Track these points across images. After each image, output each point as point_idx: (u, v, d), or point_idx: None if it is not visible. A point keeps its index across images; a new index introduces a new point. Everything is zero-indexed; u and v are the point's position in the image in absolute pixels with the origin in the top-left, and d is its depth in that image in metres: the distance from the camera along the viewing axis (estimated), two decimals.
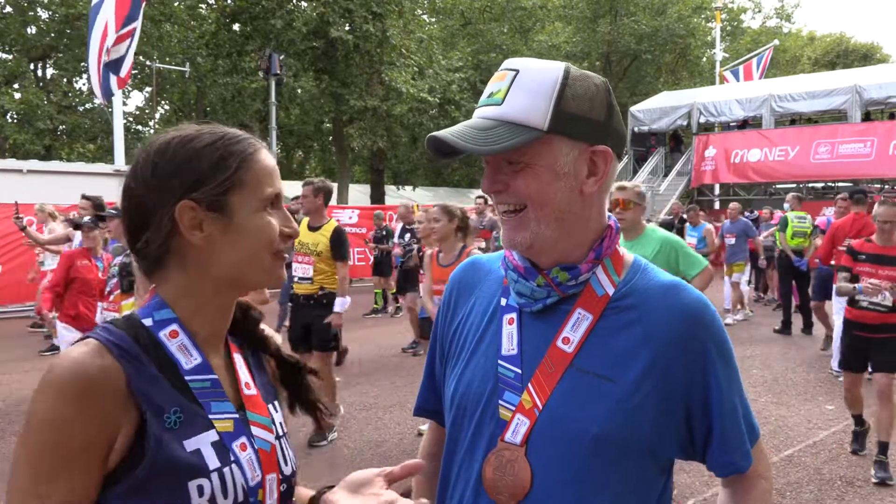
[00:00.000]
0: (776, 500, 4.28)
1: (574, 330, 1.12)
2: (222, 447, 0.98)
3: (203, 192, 0.99)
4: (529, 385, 1.11)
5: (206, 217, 0.99)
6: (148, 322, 1.00)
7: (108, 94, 11.50)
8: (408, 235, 9.95)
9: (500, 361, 1.15)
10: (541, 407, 1.09)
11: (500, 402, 1.13)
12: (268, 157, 1.06)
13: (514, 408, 1.11)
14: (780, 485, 4.49)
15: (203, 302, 1.03)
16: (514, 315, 1.17)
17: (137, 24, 11.41)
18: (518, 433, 1.10)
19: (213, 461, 0.95)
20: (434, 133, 1.08)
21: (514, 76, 1.09)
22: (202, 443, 0.96)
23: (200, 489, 0.93)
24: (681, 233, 12.08)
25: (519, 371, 1.13)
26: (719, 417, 1.12)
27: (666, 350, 1.09)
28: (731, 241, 10.93)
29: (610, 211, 3.90)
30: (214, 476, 0.95)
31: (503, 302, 1.20)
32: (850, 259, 5.01)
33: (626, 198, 4.27)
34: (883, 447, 4.66)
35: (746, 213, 13.79)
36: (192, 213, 0.99)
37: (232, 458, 0.98)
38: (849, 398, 5.12)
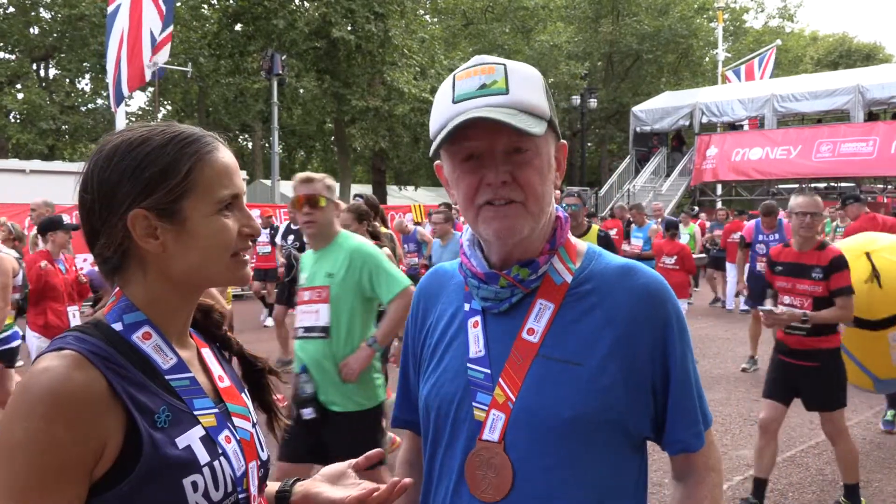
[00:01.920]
0: (778, 501, 4.27)
1: (537, 320, 1.14)
2: (210, 441, 0.98)
3: (154, 199, 0.97)
4: (500, 379, 1.13)
5: (158, 224, 0.97)
6: (118, 326, 0.98)
7: (119, 101, 11.71)
8: (291, 237, 7.97)
9: (468, 364, 1.17)
10: (514, 399, 1.12)
11: (474, 403, 1.15)
12: (224, 157, 1.03)
13: (487, 407, 1.13)
14: (782, 485, 4.49)
15: (167, 303, 1.02)
16: (478, 318, 1.19)
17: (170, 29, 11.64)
18: (495, 429, 1.12)
19: (203, 456, 0.96)
20: (475, 114, 1.05)
21: (506, 69, 1.11)
22: (192, 439, 0.96)
23: (195, 485, 0.94)
24: (626, 235, 11.64)
25: (488, 371, 1.15)
26: (675, 389, 1.15)
27: (628, 328, 1.12)
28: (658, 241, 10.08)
29: (295, 209, 3.57)
30: (206, 470, 0.96)
31: (466, 307, 1.22)
32: (770, 270, 4.10)
33: (313, 192, 3.04)
34: (850, 490, 3.99)
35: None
36: (145, 221, 0.97)
37: (220, 451, 0.99)
38: (761, 444, 3.95)
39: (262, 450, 1.10)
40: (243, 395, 1.13)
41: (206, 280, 1.03)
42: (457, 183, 1.14)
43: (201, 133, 1.03)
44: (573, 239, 1.23)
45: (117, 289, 1.02)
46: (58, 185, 12.48)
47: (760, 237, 7.78)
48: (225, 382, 1.09)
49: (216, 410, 1.03)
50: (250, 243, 1.05)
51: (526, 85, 1.10)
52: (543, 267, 1.16)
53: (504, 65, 1.11)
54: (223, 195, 1.01)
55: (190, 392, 1.00)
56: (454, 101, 1.09)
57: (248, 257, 1.06)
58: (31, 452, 0.84)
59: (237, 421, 1.06)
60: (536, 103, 1.09)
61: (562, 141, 1.19)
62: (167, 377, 0.98)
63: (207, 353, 1.11)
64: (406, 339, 1.36)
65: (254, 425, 1.10)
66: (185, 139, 1.01)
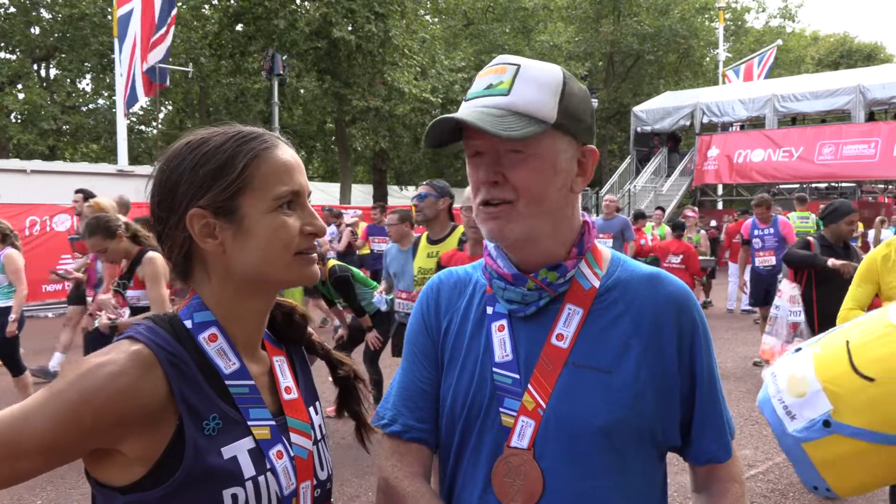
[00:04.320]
0: (779, 501, 4.27)
1: (566, 325, 1.13)
2: (259, 455, 0.96)
3: (210, 197, 0.96)
4: (529, 386, 1.11)
5: (217, 223, 0.97)
6: (188, 324, 0.98)
7: (131, 104, 11.73)
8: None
9: (494, 369, 1.14)
10: (544, 406, 1.09)
11: (501, 409, 1.12)
12: (283, 154, 1.01)
13: (515, 413, 1.11)
14: (782, 486, 4.49)
15: (234, 305, 1.01)
16: (503, 322, 1.16)
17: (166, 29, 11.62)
18: (524, 436, 1.10)
19: (248, 469, 0.94)
20: (452, 115, 1.07)
21: (517, 70, 1.09)
22: (239, 450, 0.95)
23: (235, 497, 0.92)
24: None
25: (517, 376, 1.12)
26: (702, 399, 1.15)
27: (656, 337, 1.12)
28: (606, 242, 9.33)
29: None
30: (249, 484, 0.94)
31: (489, 310, 1.19)
32: None
33: None
34: None
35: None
36: (203, 220, 0.97)
37: (268, 466, 0.97)
38: None
39: (322, 468, 1.07)
40: (311, 409, 1.09)
41: (268, 279, 1.01)
42: (469, 179, 1.15)
43: (262, 132, 1.03)
44: (599, 245, 1.22)
45: (191, 287, 1.03)
46: (59, 185, 12.47)
47: (756, 232, 7.74)
48: (291, 394, 1.06)
49: (273, 423, 1.00)
50: (315, 242, 1.04)
51: (531, 86, 1.08)
52: (571, 271, 1.15)
53: (518, 65, 1.09)
54: (281, 192, 0.99)
55: (247, 400, 0.98)
56: (466, 100, 1.11)
57: (314, 255, 1.04)
58: (59, 414, 0.87)
59: (295, 437, 1.03)
60: (538, 105, 1.07)
61: (590, 146, 1.15)
62: (227, 382, 0.97)
63: (281, 360, 1.09)
64: (415, 342, 1.26)
65: (315, 442, 1.07)
66: (243, 137, 1.00)
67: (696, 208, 13.52)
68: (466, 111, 1.08)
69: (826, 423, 1.79)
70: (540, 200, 1.10)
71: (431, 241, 4.41)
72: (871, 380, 1.81)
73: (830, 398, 1.83)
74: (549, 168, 1.10)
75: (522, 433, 1.10)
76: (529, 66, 1.10)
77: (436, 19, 28.82)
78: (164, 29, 11.83)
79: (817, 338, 2.25)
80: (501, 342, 1.15)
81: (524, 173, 1.08)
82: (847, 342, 1.90)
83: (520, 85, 1.08)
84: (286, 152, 1.02)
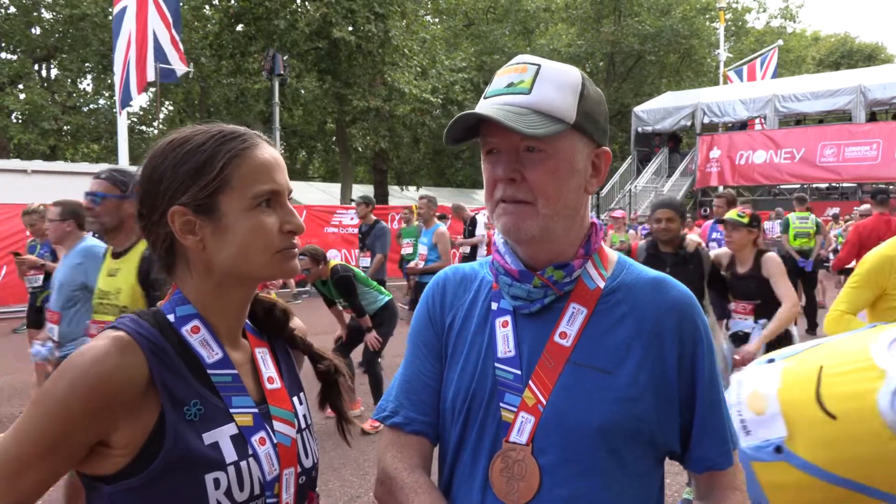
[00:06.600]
0: None
1: (570, 324, 1.14)
2: (241, 441, 0.98)
3: (190, 195, 0.99)
4: (531, 382, 1.12)
5: (196, 221, 0.99)
6: (171, 318, 1.01)
7: (126, 103, 11.75)
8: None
9: (496, 364, 1.15)
10: (544, 403, 1.10)
11: (502, 404, 1.13)
12: (263, 153, 1.03)
13: (515, 409, 1.12)
14: None
15: (216, 299, 1.04)
16: (507, 318, 1.18)
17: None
18: (524, 432, 1.10)
19: (230, 454, 0.96)
20: (475, 111, 1.08)
21: (538, 70, 1.10)
22: (221, 436, 0.97)
23: (217, 482, 0.94)
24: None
25: (518, 372, 1.13)
26: (702, 407, 1.15)
27: (658, 341, 1.12)
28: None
29: None
30: (231, 469, 0.96)
31: (494, 306, 1.20)
32: None
33: None
34: None
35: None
36: (183, 217, 0.99)
37: (250, 452, 0.99)
38: None
39: (307, 456, 1.10)
40: (294, 399, 1.12)
41: (248, 274, 1.04)
42: (483, 175, 1.16)
43: (244, 131, 1.05)
44: (606, 247, 1.23)
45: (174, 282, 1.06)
46: (60, 185, 12.47)
47: (714, 234, 7.16)
48: (274, 384, 1.09)
49: (255, 410, 1.03)
50: (295, 240, 1.06)
51: (552, 86, 1.09)
52: (578, 271, 1.16)
53: (539, 65, 1.11)
54: (259, 191, 1.01)
55: (230, 389, 1.01)
56: (485, 97, 1.12)
57: (295, 251, 1.06)
58: (49, 418, 0.90)
59: (278, 425, 1.05)
60: (557, 105, 1.08)
61: (604, 148, 1.17)
62: (210, 371, 1.00)
63: (263, 352, 1.12)
64: (419, 335, 1.27)
65: (300, 431, 1.09)
66: (223, 137, 1.02)
67: (622, 210, 13.40)
68: (488, 108, 1.08)
69: (778, 449, 1.71)
70: (556, 200, 1.11)
71: (115, 255, 2.99)
72: (832, 417, 1.67)
73: (787, 424, 1.72)
74: (567, 168, 1.11)
75: (522, 429, 1.11)
76: (549, 67, 1.11)
77: (436, 20, 28.83)
78: (178, 39, 11.95)
79: (794, 349, 2.11)
80: (505, 338, 1.16)
81: (542, 172, 1.09)
82: (821, 368, 1.75)
83: (541, 84, 1.09)
84: (266, 151, 1.04)
